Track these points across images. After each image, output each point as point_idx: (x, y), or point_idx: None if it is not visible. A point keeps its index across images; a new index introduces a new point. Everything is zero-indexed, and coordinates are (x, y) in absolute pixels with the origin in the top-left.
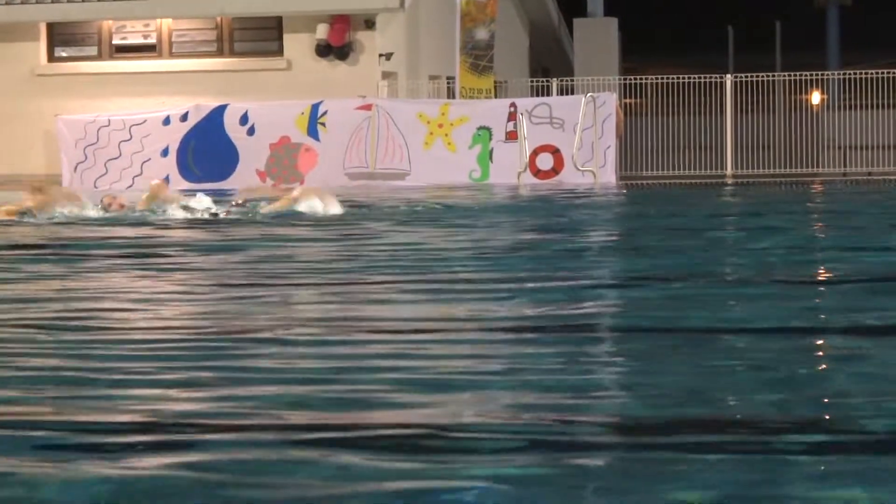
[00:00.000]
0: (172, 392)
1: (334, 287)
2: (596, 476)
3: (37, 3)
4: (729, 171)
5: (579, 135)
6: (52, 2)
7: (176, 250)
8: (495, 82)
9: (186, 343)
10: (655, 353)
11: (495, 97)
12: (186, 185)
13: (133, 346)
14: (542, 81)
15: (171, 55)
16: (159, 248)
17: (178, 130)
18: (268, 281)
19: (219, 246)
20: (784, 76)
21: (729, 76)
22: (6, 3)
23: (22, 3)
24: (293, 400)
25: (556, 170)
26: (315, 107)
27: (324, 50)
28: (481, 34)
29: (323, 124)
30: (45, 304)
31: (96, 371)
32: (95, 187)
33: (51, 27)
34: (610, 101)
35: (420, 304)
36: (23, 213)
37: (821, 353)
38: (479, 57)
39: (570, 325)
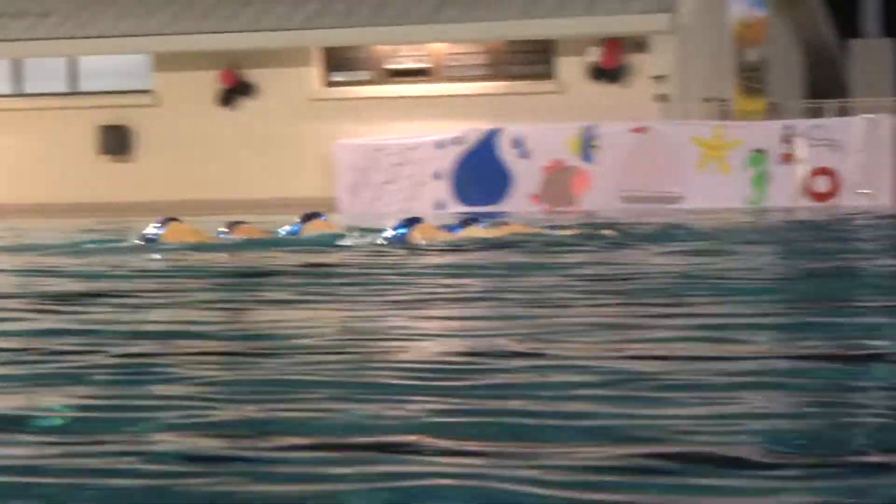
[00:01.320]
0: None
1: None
2: None
3: (313, 28)
4: None
5: (857, 157)
6: (328, 27)
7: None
8: (769, 104)
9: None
10: None
11: (768, 119)
12: (461, 208)
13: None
14: (817, 103)
15: (445, 79)
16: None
17: (452, 154)
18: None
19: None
20: None
21: None
22: (283, 30)
23: (298, 29)
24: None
25: (832, 192)
26: (588, 130)
27: (596, 73)
28: (751, 56)
29: (596, 147)
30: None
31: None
32: (370, 211)
33: (326, 52)
34: (888, 124)
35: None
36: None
37: None
38: (749, 79)
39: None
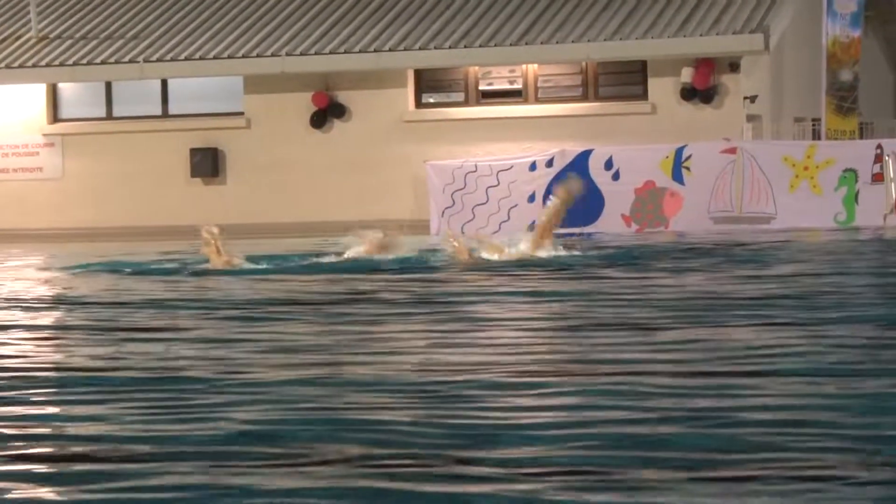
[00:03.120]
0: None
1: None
2: None
3: (404, 50)
4: None
5: None
6: (420, 49)
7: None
8: (861, 123)
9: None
10: None
11: (860, 138)
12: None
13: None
14: None
15: (537, 100)
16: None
17: (544, 176)
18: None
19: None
20: None
21: None
22: (375, 52)
23: (390, 50)
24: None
25: None
26: (679, 150)
27: (688, 93)
28: (845, 75)
29: (688, 168)
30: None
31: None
32: (462, 233)
33: (418, 74)
34: None
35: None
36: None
37: None
38: (843, 98)
39: None
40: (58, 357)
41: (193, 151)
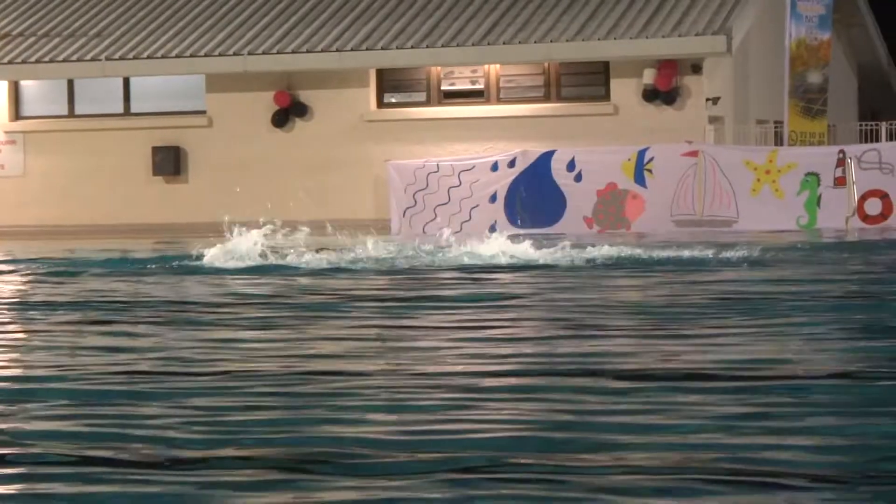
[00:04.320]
0: None
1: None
2: None
3: (367, 50)
4: None
5: None
6: (382, 49)
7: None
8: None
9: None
10: None
11: (826, 141)
12: (514, 230)
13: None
14: (871, 125)
15: (499, 101)
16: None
17: (506, 176)
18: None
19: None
20: None
21: None
22: (337, 51)
23: (352, 50)
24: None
25: (884, 215)
26: (641, 153)
27: (650, 95)
28: (814, 78)
29: (650, 171)
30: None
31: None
32: (424, 232)
33: (380, 74)
34: None
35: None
36: None
37: None
38: (812, 101)
39: None
40: None
41: (155, 150)
